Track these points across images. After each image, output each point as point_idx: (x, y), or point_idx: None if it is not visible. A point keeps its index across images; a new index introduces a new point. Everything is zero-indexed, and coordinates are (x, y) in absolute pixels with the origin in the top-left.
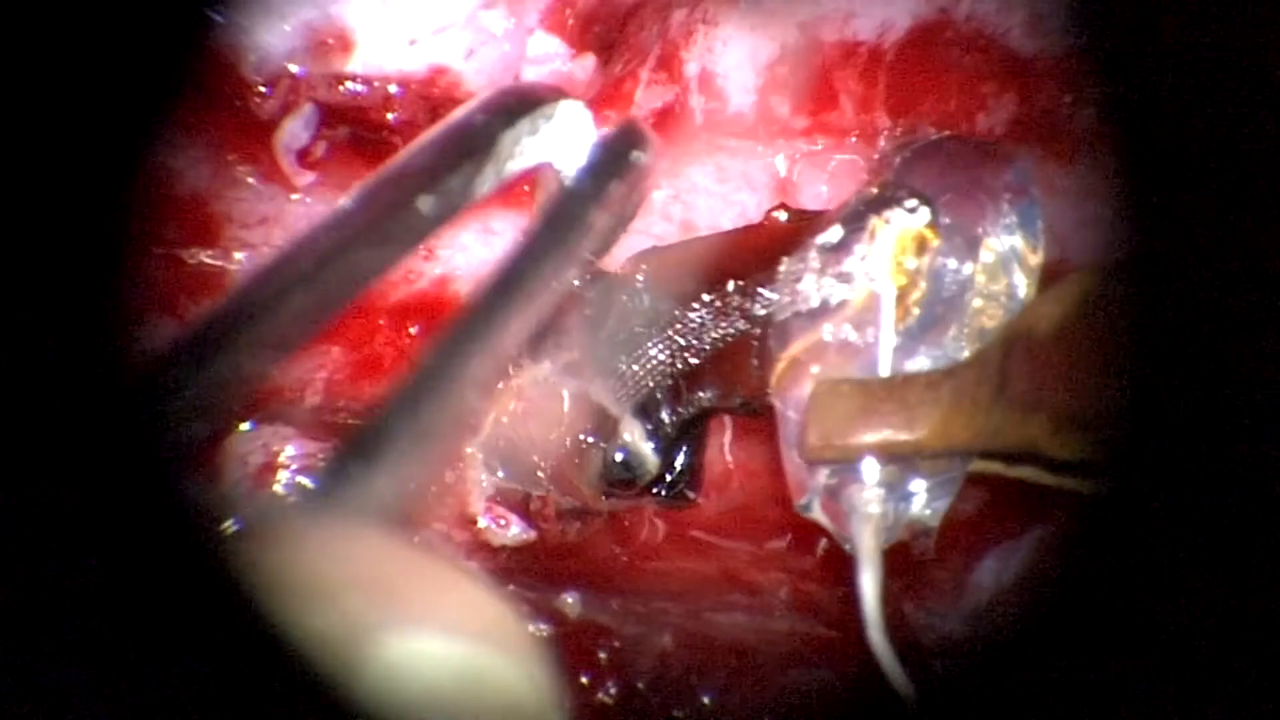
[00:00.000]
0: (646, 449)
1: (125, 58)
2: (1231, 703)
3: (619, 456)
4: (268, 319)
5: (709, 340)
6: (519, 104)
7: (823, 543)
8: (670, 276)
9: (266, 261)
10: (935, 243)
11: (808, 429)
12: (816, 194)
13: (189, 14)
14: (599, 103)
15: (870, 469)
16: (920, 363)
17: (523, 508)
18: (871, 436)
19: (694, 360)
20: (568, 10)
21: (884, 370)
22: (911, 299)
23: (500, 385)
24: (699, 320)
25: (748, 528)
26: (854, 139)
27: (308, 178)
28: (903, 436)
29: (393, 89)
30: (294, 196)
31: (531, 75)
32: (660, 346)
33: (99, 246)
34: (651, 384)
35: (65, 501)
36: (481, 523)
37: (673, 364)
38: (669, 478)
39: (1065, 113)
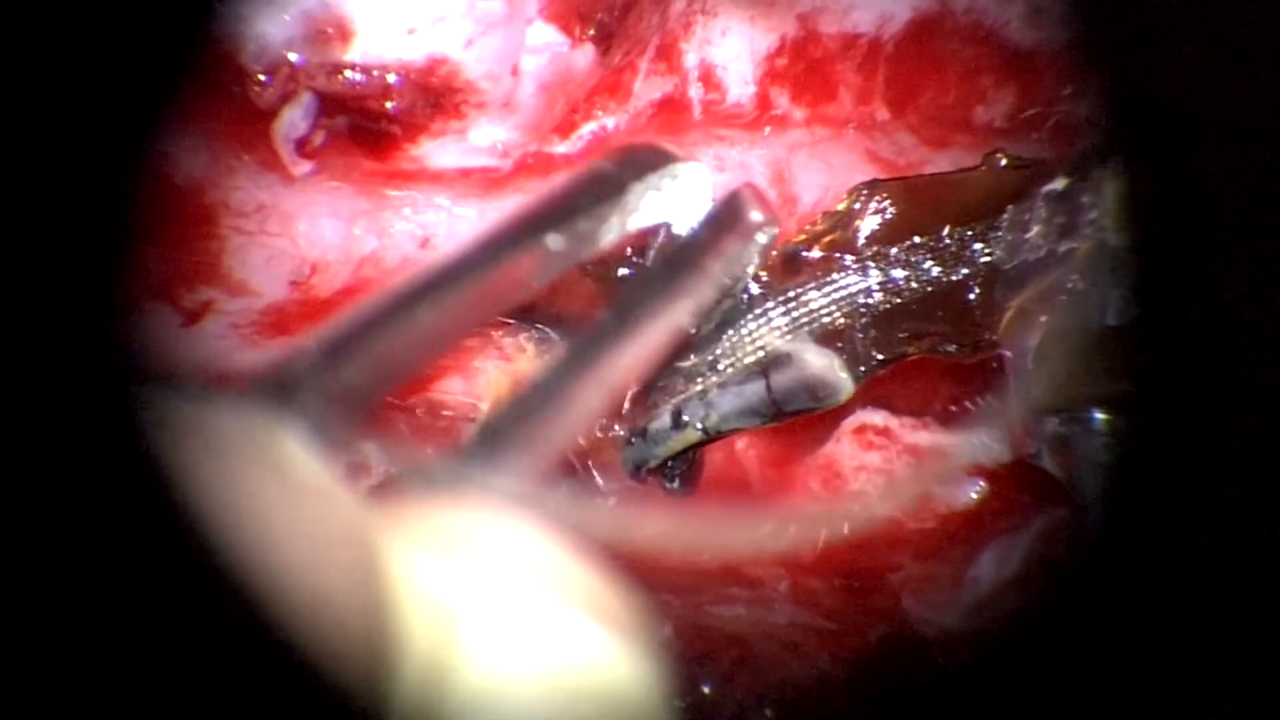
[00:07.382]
0: (842, 375)
1: (122, 45)
2: (1234, 703)
3: (799, 381)
4: (394, 336)
5: (921, 282)
6: (649, 159)
7: (823, 536)
8: (884, 212)
9: (399, 280)
10: None
11: (1037, 378)
12: (815, 185)
13: (188, 2)
14: (598, 92)
15: (1099, 418)
16: None
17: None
18: (1101, 386)
19: (898, 301)
20: (567, 0)
21: (1113, 320)
22: None
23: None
24: (911, 261)
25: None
26: (852, 130)
27: (306, 167)
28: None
29: (391, 78)
30: (293, 186)
31: (530, 65)
32: (856, 281)
33: (94, 235)
34: (840, 316)
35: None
36: None
37: (869, 300)
38: (670, 464)
39: (1065, 105)
